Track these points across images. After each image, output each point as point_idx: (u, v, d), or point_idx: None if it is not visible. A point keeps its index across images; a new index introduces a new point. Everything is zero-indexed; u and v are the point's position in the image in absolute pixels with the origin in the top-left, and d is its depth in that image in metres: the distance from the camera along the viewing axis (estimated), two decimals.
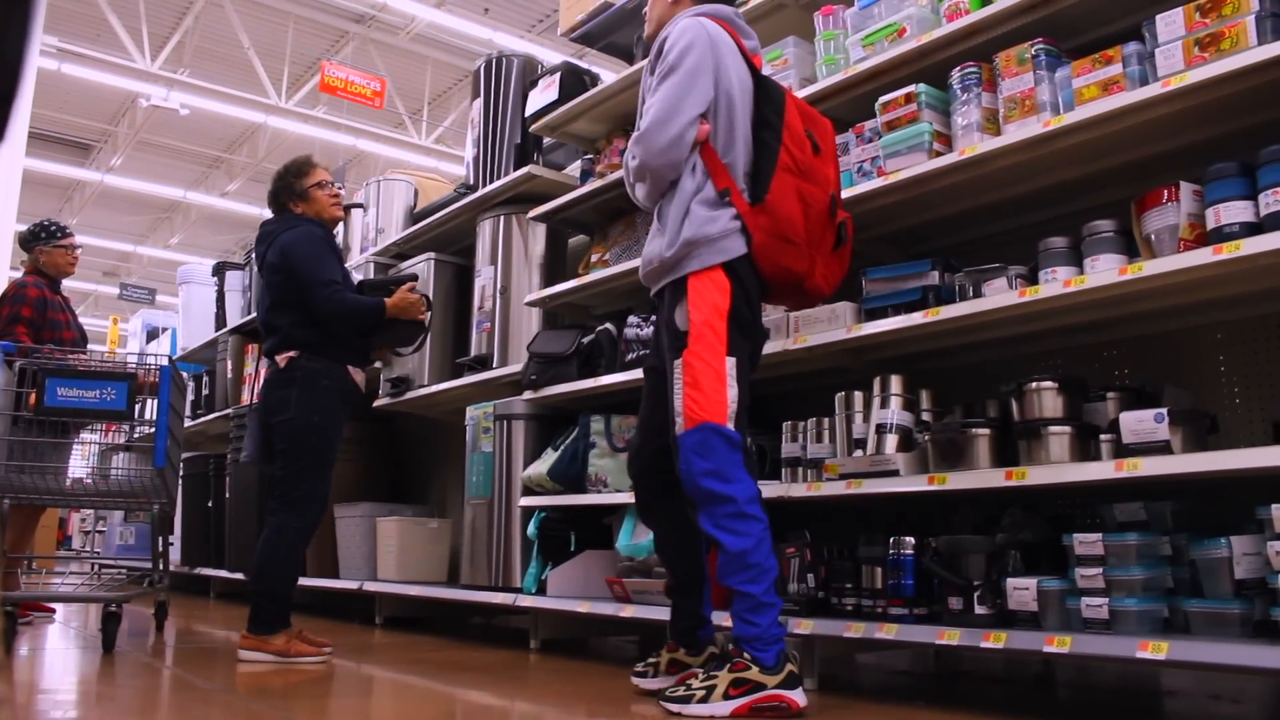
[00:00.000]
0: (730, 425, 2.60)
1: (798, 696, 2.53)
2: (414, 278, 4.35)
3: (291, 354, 3.87)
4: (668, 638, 3.04)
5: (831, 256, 2.81)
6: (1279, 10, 2.43)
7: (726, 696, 2.50)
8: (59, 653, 4.12)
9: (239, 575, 6.52)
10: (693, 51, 2.73)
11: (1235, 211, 2.46)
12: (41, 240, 5.55)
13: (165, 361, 4.49)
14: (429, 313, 4.29)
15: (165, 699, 3.02)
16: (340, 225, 6.77)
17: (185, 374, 7.19)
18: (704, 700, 2.51)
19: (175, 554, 7.89)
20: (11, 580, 4.88)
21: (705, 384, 2.61)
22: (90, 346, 5.87)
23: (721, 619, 2.87)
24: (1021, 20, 3.07)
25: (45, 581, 5.99)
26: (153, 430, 4.28)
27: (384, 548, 5.47)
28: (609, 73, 4.90)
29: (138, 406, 4.37)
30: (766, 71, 3.77)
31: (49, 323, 5.33)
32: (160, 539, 4.68)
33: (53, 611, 5.64)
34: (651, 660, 3.01)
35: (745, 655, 2.54)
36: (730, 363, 2.63)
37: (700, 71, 2.71)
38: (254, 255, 4.35)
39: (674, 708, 2.55)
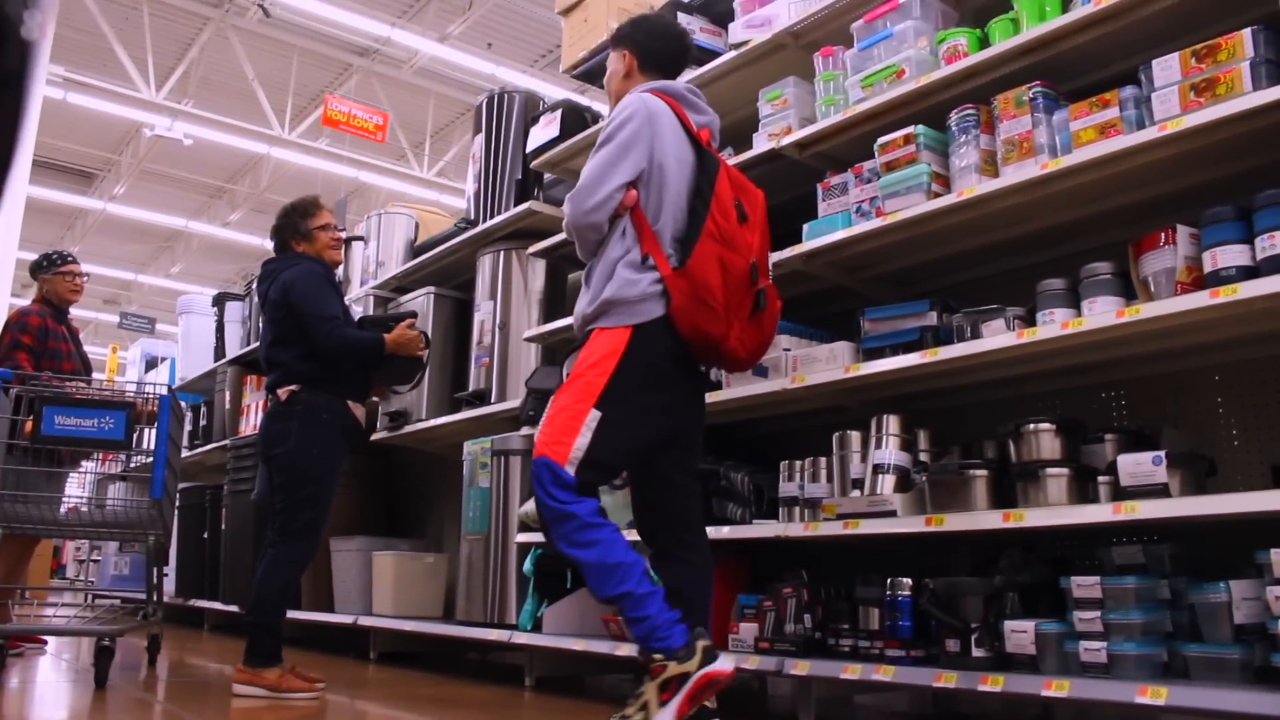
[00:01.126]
0: (569, 469, 2.66)
1: (723, 665, 2.55)
2: (413, 314, 4.36)
3: (293, 388, 3.89)
4: None
5: (749, 322, 2.83)
6: (1273, 57, 2.45)
7: (662, 704, 2.51)
8: (50, 685, 4.09)
9: (233, 608, 6.48)
10: (629, 125, 2.85)
11: (1232, 255, 2.47)
12: (44, 268, 5.54)
13: (165, 391, 4.43)
14: (427, 349, 4.30)
15: None
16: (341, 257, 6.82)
17: (184, 404, 7.14)
18: (646, 718, 2.52)
19: (170, 585, 7.84)
20: (3, 612, 4.81)
21: (559, 424, 2.71)
22: (94, 376, 5.77)
23: None
24: (1019, 63, 3.10)
25: (37, 613, 5.95)
26: (150, 460, 4.20)
27: (379, 582, 5.44)
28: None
29: (136, 436, 4.30)
30: (765, 112, 3.81)
31: (49, 351, 5.26)
32: (155, 570, 4.63)
33: (44, 643, 5.59)
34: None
35: (655, 655, 2.55)
36: (593, 415, 2.69)
37: (633, 144, 2.83)
38: (256, 292, 4.35)
39: None
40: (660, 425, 2.82)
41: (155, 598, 4.61)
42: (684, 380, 2.88)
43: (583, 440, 2.68)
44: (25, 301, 5.73)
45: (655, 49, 3.11)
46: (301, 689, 3.72)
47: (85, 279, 5.71)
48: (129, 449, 4.25)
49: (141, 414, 4.40)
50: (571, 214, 2.88)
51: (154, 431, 4.36)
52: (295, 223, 4.16)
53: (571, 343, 4.79)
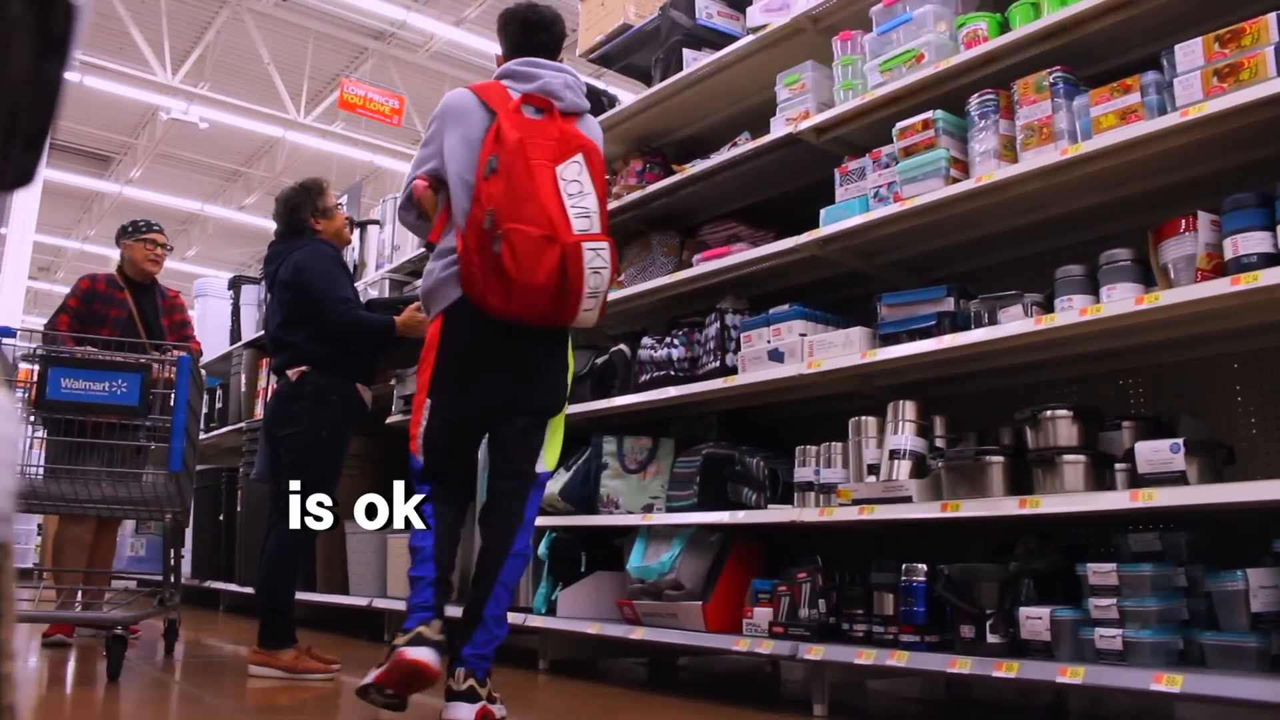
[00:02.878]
0: (417, 456, 2.94)
1: (414, 653, 2.67)
2: None
3: (303, 369, 3.89)
4: None
5: (491, 272, 2.77)
6: None
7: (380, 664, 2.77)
8: (64, 665, 4.13)
9: (248, 589, 6.51)
10: (429, 128, 3.05)
11: (1253, 242, 2.45)
12: (125, 234, 5.35)
13: (184, 352, 4.06)
14: None
15: (173, 713, 3.01)
16: (357, 241, 6.83)
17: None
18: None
19: (186, 566, 7.88)
20: (71, 600, 4.80)
21: (413, 419, 2.97)
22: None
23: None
24: (1040, 48, 3.07)
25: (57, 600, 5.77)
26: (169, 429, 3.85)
27: (394, 564, 5.46)
28: (627, 93, 4.91)
29: (153, 403, 3.88)
30: (783, 96, 3.79)
31: (93, 315, 5.03)
32: (172, 552, 4.48)
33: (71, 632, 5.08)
34: None
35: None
36: (427, 404, 2.91)
37: (424, 147, 3.04)
38: (264, 273, 4.29)
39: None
40: (478, 397, 2.92)
41: (173, 580, 4.39)
42: (501, 349, 2.91)
43: (422, 427, 2.91)
44: (39, 284, 5.61)
45: (511, 33, 3.29)
46: (317, 670, 3.75)
47: (167, 250, 5.43)
48: (144, 416, 3.83)
49: (159, 379, 4.04)
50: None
51: (172, 398, 4.00)
52: (315, 200, 4.15)
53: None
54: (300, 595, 4.85)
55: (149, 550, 9.36)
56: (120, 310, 5.14)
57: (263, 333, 7.41)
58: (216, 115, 14.76)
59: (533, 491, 2.97)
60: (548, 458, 3.01)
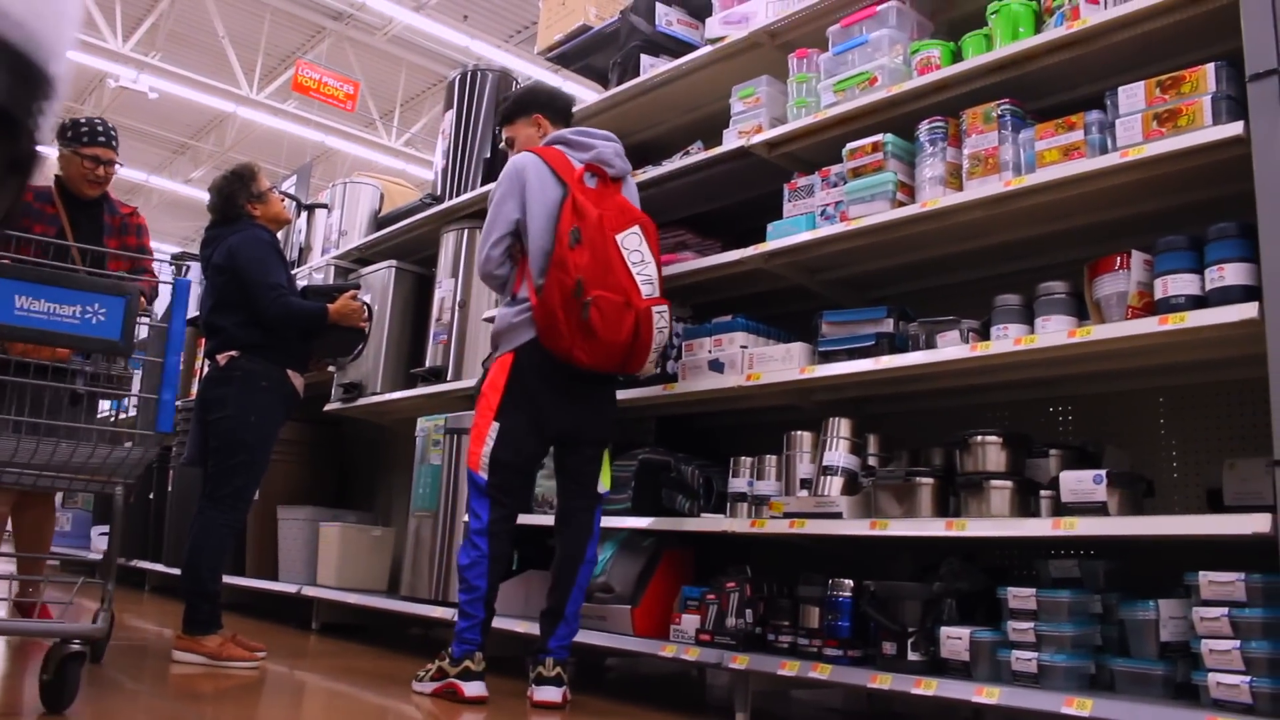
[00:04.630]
0: (481, 473, 3.32)
1: (470, 687, 3.21)
2: (357, 286, 4.39)
3: (232, 353, 3.88)
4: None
5: (579, 332, 3.21)
6: (1234, 93, 2.50)
7: (433, 679, 3.29)
8: None
9: (175, 570, 6.43)
10: (500, 185, 3.45)
11: (1182, 284, 2.53)
12: (63, 139, 4.23)
13: (179, 273, 3.17)
14: (369, 321, 4.31)
15: (90, 697, 2.97)
16: (304, 225, 6.76)
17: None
18: (421, 680, 3.34)
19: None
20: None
21: (473, 438, 3.37)
22: None
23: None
24: (990, 79, 3.14)
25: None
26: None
27: (325, 553, 5.43)
28: (587, 93, 4.92)
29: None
30: (737, 109, 3.83)
31: (18, 228, 3.76)
32: (111, 539, 3.04)
33: None
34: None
35: (447, 650, 3.29)
36: (494, 426, 3.32)
37: (503, 202, 3.40)
38: (200, 258, 4.22)
39: (415, 685, 3.36)
40: (544, 425, 3.35)
41: (105, 582, 2.94)
42: (568, 387, 3.35)
43: (487, 448, 3.32)
44: None
45: (560, 106, 3.74)
46: (241, 658, 3.72)
47: (112, 170, 4.27)
48: (128, 355, 2.97)
49: (144, 308, 3.38)
50: (478, 270, 3.50)
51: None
52: (248, 185, 4.13)
53: None
54: (229, 579, 4.81)
55: (74, 526, 9.16)
56: (49, 226, 4.05)
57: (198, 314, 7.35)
58: (167, 86, 14.51)
59: (597, 509, 3.48)
60: (604, 479, 3.51)
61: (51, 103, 0.76)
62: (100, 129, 4.26)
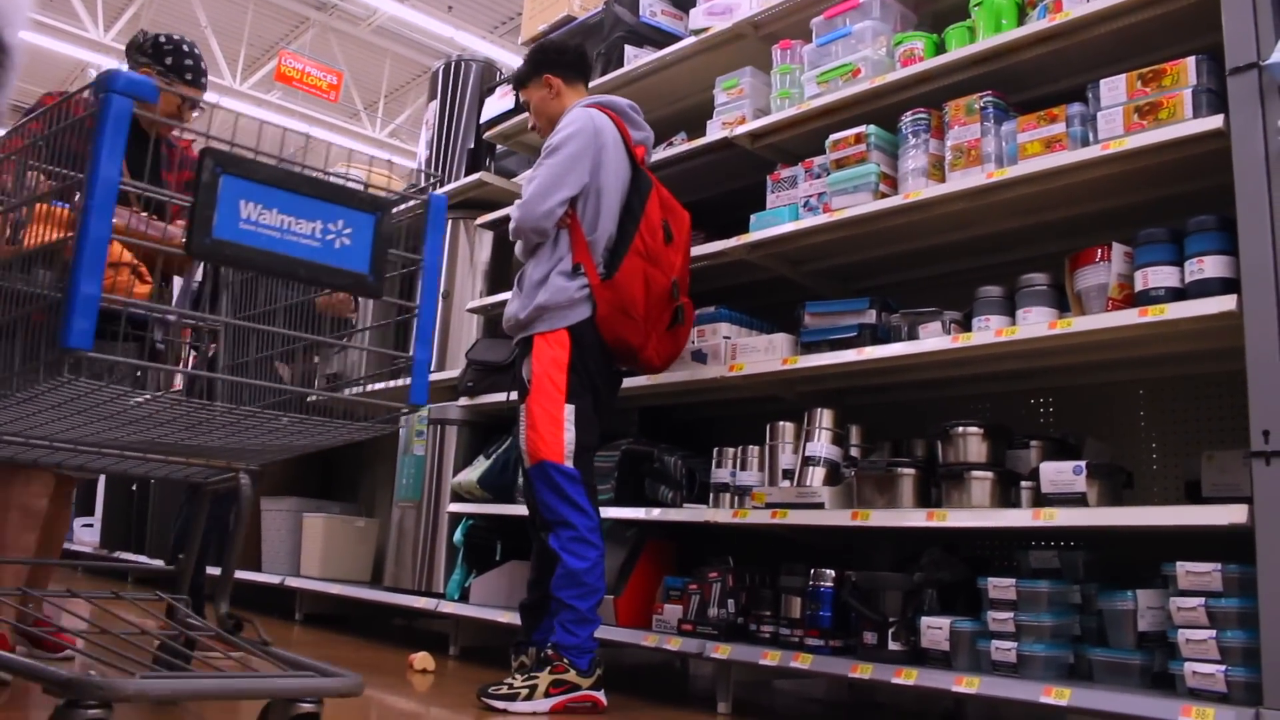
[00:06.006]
0: (568, 463, 3.00)
1: (603, 696, 2.96)
2: None
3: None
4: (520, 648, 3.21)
5: (666, 334, 3.20)
6: (1214, 86, 2.52)
7: (547, 694, 2.87)
8: None
9: (159, 562, 6.41)
10: (575, 140, 3.12)
11: (1162, 276, 2.54)
12: (150, 57, 3.24)
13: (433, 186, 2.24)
14: (356, 311, 4.31)
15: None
16: None
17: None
18: (528, 698, 2.86)
19: (95, 535, 7.73)
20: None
21: (542, 427, 3.01)
22: None
23: None
24: (973, 71, 3.14)
25: None
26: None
27: (309, 543, 5.42)
28: None
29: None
30: (721, 100, 3.83)
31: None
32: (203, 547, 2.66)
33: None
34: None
35: (565, 660, 2.91)
36: (569, 409, 3.02)
37: (579, 159, 3.11)
38: None
39: (499, 704, 2.87)
40: (598, 408, 3.15)
41: (220, 600, 2.50)
42: (611, 378, 3.26)
43: (569, 434, 3.01)
44: None
45: (570, 61, 3.42)
46: (222, 648, 3.71)
47: (196, 113, 3.36)
48: (378, 295, 1.96)
49: (402, 227, 2.17)
50: (520, 220, 3.13)
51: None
52: None
53: None
54: (212, 570, 4.79)
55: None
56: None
57: None
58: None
59: None
60: None
61: (6, 72, 0.74)
62: (203, 67, 3.35)
